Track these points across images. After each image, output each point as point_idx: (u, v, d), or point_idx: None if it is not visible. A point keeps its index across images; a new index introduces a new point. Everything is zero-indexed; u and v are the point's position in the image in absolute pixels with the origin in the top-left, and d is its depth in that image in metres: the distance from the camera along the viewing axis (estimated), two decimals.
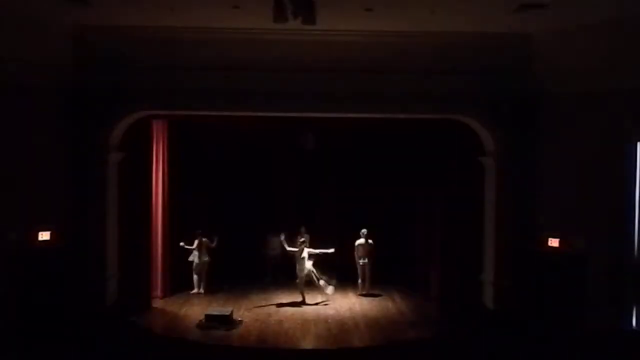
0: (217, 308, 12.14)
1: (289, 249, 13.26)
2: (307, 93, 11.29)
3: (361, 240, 13.68)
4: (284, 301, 13.13)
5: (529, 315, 11.29)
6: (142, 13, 10.08)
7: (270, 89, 11.27)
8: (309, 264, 12.87)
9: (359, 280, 13.84)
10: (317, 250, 13.10)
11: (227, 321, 11.27)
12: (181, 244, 13.48)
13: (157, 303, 12.95)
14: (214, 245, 13.77)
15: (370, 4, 9.35)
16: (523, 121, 11.58)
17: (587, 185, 10.75)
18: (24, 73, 10.46)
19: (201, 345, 10.51)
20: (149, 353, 10.37)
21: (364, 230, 13.70)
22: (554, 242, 11.23)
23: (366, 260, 13.69)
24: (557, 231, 11.20)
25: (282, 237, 13.74)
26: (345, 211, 15.72)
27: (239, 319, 11.73)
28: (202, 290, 13.83)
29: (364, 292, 13.78)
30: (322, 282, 12.96)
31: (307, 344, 10.80)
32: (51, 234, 11.04)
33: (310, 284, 13.06)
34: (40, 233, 10.92)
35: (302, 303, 12.92)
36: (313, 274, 12.91)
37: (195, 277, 13.89)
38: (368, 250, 13.67)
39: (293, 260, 13.12)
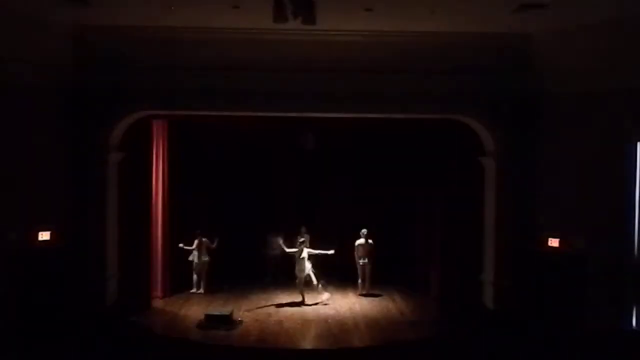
0: (217, 308, 12.14)
1: (288, 250, 13.27)
2: (307, 93, 11.29)
3: (361, 240, 13.68)
4: (284, 301, 13.12)
5: (529, 315, 11.29)
6: (142, 13, 10.08)
7: (270, 89, 11.27)
8: (308, 265, 12.85)
9: (359, 280, 13.84)
10: (317, 251, 13.09)
11: (227, 321, 11.27)
12: (180, 245, 13.47)
13: (157, 303, 12.95)
14: (214, 246, 13.76)
15: (370, 4, 9.35)
16: (523, 121, 11.58)
17: (587, 185, 10.75)
18: (24, 73, 10.47)
19: (201, 345, 10.51)
20: (149, 353, 10.37)
21: (364, 230, 13.70)
22: (554, 242, 11.24)
23: (366, 260, 13.69)
24: (557, 231, 11.21)
25: (281, 241, 13.81)
26: (345, 211, 15.72)
27: (239, 319, 11.73)
28: (202, 290, 13.83)
29: (364, 292, 13.78)
30: (319, 286, 12.93)
31: (307, 344, 10.81)
32: (51, 234, 11.04)
33: (309, 284, 13.05)
34: (40, 233, 10.91)
35: (302, 303, 12.91)
36: (312, 275, 12.88)
37: (195, 276, 13.89)
38: (368, 250, 13.67)
39: (293, 261, 13.11)
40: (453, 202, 12.83)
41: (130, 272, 12.12)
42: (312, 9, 7.88)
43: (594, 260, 10.70)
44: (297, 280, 13.03)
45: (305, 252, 12.88)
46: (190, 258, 13.77)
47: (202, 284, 13.90)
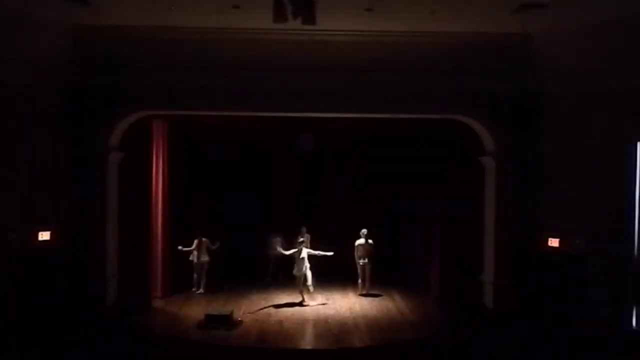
0: (217, 308, 12.14)
1: (286, 253, 13.26)
2: (307, 93, 11.30)
3: (361, 240, 13.67)
4: (284, 301, 13.12)
5: (529, 315, 11.30)
6: (142, 13, 10.08)
7: (270, 89, 11.28)
8: (308, 265, 12.82)
9: (359, 280, 13.83)
10: (316, 252, 13.08)
11: (227, 321, 11.26)
12: (180, 247, 13.46)
13: (157, 303, 12.95)
14: (214, 247, 13.75)
15: (370, 4, 9.35)
16: (523, 121, 11.59)
17: (587, 185, 10.76)
18: (24, 73, 10.48)
19: (201, 345, 10.50)
20: (149, 353, 10.37)
21: (364, 230, 13.69)
22: (554, 242, 11.24)
23: (366, 260, 13.68)
24: (557, 231, 11.21)
25: (279, 244, 13.92)
26: (345, 211, 15.73)
27: (239, 319, 11.72)
28: (202, 290, 13.82)
29: (364, 292, 13.77)
30: (311, 289, 12.91)
31: (307, 344, 10.81)
32: (51, 234, 11.05)
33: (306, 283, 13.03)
34: (40, 233, 10.92)
35: (302, 303, 12.90)
36: (309, 275, 12.82)
37: (195, 276, 13.89)
38: (368, 250, 13.66)
39: (293, 261, 13.10)
40: (453, 202, 12.84)
41: (130, 272, 12.12)
42: (312, 9, 7.88)
43: (594, 260, 10.70)
44: (296, 280, 13.01)
45: (305, 252, 12.87)
46: (191, 258, 13.77)
47: (202, 284, 13.89)
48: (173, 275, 13.66)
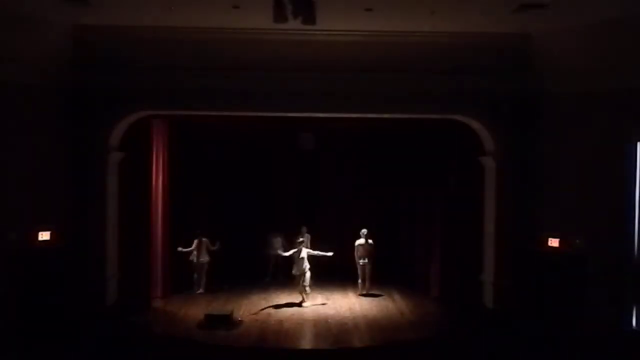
0: (217, 308, 12.14)
1: (285, 254, 13.26)
2: (307, 93, 11.30)
3: (361, 240, 13.67)
4: (284, 301, 13.11)
5: (529, 315, 11.29)
6: (142, 13, 10.08)
7: (270, 89, 11.28)
8: (307, 265, 12.80)
9: (359, 280, 13.83)
10: (315, 252, 13.07)
11: (227, 321, 11.26)
12: (179, 249, 13.45)
13: (157, 303, 12.94)
14: (214, 248, 13.75)
15: (370, 4, 9.35)
16: (523, 121, 11.59)
17: (587, 185, 10.75)
18: (24, 73, 10.48)
19: (201, 345, 10.50)
20: (149, 353, 10.37)
21: (364, 230, 13.69)
22: (554, 242, 11.24)
23: (366, 260, 13.68)
24: (557, 231, 11.21)
25: (280, 244, 14.00)
26: (345, 211, 15.73)
27: (239, 319, 11.72)
28: (202, 290, 13.82)
29: (364, 292, 13.77)
30: (308, 289, 12.90)
31: (307, 344, 10.80)
32: (51, 234, 11.05)
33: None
34: (40, 233, 10.92)
35: (302, 303, 12.88)
36: (307, 276, 12.80)
37: (195, 276, 13.89)
38: (368, 250, 13.65)
39: (293, 261, 13.09)
40: (453, 202, 12.84)
41: (130, 272, 12.12)
42: (312, 9, 7.87)
43: (594, 260, 10.70)
44: (295, 280, 13.00)
45: (304, 252, 12.85)
46: (191, 258, 13.76)
47: (202, 284, 13.89)
48: (173, 275, 13.66)
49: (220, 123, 13.52)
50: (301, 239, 13.23)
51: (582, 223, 10.83)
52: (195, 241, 13.68)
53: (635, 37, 9.83)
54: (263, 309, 12.56)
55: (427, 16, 9.87)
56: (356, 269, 13.82)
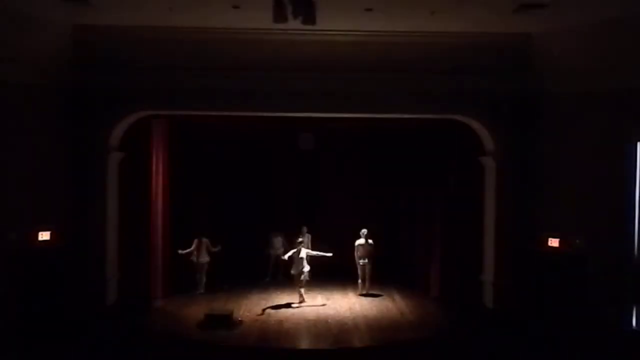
0: (217, 308, 12.13)
1: (285, 256, 13.25)
2: (307, 93, 11.30)
3: (361, 240, 13.66)
4: (284, 301, 13.11)
5: (529, 315, 11.30)
6: (142, 13, 10.08)
7: (270, 89, 11.28)
8: (306, 265, 12.79)
9: (359, 280, 13.82)
10: (314, 252, 13.06)
11: (227, 321, 11.26)
12: (180, 251, 13.44)
13: (157, 303, 12.93)
14: (215, 250, 13.74)
15: (370, 4, 9.35)
16: (523, 121, 11.59)
17: (587, 185, 10.76)
18: (24, 73, 10.48)
19: (201, 345, 10.50)
20: (149, 353, 10.37)
21: (364, 230, 13.68)
22: (554, 242, 11.24)
23: (366, 260, 13.67)
24: (557, 231, 11.21)
25: (281, 245, 14.01)
26: (345, 211, 15.73)
27: (239, 319, 11.72)
28: (202, 290, 13.82)
29: (364, 292, 13.77)
30: (302, 290, 12.88)
31: (307, 344, 10.79)
32: (51, 234, 11.05)
33: (307, 283, 13.01)
34: (40, 233, 10.92)
35: (300, 303, 12.88)
36: (305, 276, 12.78)
37: (197, 276, 13.88)
38: (368, 250, 13.65)
39: (293, 261, 13.08)
40: (453, 202, 12.84)
41: (130, 273, 12.13)
42: (312, 9, 7.87)
43: (594, 260, 10.70)
44: (295, 280, 12.98)
45: (304, 252, 12.83)
46: (192, 258, 13.76)
47: (202, 284, 13.88)
48: (173, 275, 13.65)
49: (220, 123, 13.51)
50: (300, 239, 13.21)
51: (582, 223, 10.83)
52: (195, 241, 13.67)
53: (635, 37, 9.83)
54: (264, 310, 12.55)
55: (427, 16, 9.88)
56: (356, 269, 13.81)
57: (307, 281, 12.88)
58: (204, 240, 13.72)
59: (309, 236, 14.33)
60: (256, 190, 15.72)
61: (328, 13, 9.21)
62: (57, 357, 10.09)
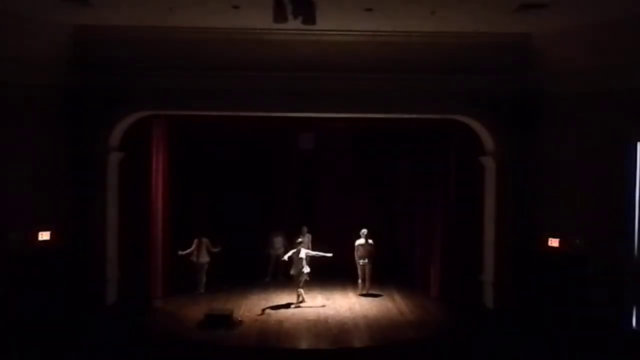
0: (217, 308, 12.14)
1: (284, 257, 13.26)
2: (307, 93, 11.30)
3: (361, 240, 13.67)
4: (284, 301, 13.11)
5: (529, 315, 11.29)
6: (142, 13, 10.08)
7: (270, 89, 11.28)
8: (306, 266, 12.77)
9: (359, 280, 13.82)
10: (314, 253, 13.06)
11: (227, 321, 11.26)
12: (180, 252, 13.43)
13: (157, 303, 12.93)
14: (215, 250, 13.74)
15: (370, 4, 9.35)
16: (523, 121, 11.59)
17: (587, 185, 10.75)
18: (24, 73, 10.48)
19: (201, 345, 10.50)
20: (149, 353, 10.37)
21: (364, 230, 13.68)
22: (554, 242, 11.24)
23: (366, 261, 13.67)
24: (557, 231, 11.20)
25: (282, 244, 14.08)
26: (345, 211, 15.72)
27: (239, 319, 11.72)
28: (202, 290, 13.82)
29: (364, 292, 13.77)
30: (302, 290, 12.88)
31: (307, 344, 10.80)
32: (51, 234, 11.05)
33: (307, 283, 13.00)
34: (40, 233, 10.93)
35: (300, 303, 12.87)
36: (304, 276, 12.77)
37: (197, 275, 13.87)
38: (368, 250, 13.65)
39: (292, 261, 13.08)
40: (453, 202, 12.83)
41: (130, 272, 12.12)
42: (312, 9, 7.87)
43: (594, 260, 10.70)
44: (294, 281, 12.96)
45: (303, 253, 12.81)
46: (192, 258, 13.76)
47: (202, 284, 13.88)
48: (173, 276, 13.64)
49: (220, 123, 13.50)
50: (300, 240, 13.21)
51: (582, 223, 10.83)
52: (195, 241, 13.67)
53: (635, 37, 9.83)
54: (264, 310, 12.55)
55: (427, 16, 9.87)
56: (356, 269, 13.82)
57: (307, 281, 12.87)
58: (204, 240, 13.73)
59: (310, 236, 14.34)
60: (256, 190, 15.72)
61: (328, 13, 9.22)
62: (57, 357, 10.10)
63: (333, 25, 10.44)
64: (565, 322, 10.82)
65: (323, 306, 12.88)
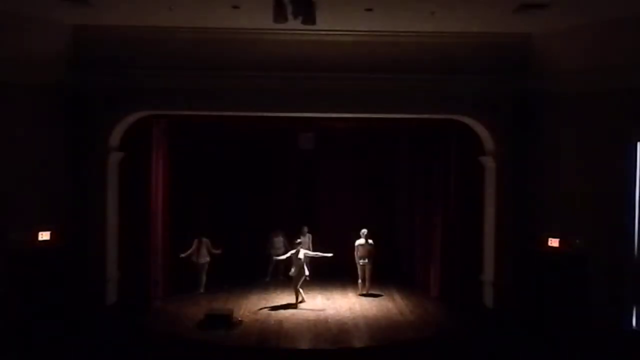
0: (217, 308, 12.14)
1: (282, 257, 13.27)
2: (307, 93, 11.31)
3: (361, 241, 13.67)
4: (284, 301, 13.11)
5: (529, 315, 11.30)
6: (142, 13, 10.08)
7: (271, 89, 11.28)
8: (305, 266, 12.76)
9: (359, 280, 13.82)
10: (312, 253, 13.06)
11: (227, 321, 11.26)
12: (181, 255, 13.43)
13: (157, 303, 12.94)
14: (216, 252, 13.74)
15: (370, 4, 9.35)
16: (523, 121, 11.59)
17: (587, 185, 10.75)
18: (24, 73, 10.47)
19: (201, 345, 10.50)
20: (149, 353, 10.37)
21: (364, 230, 13.68)
22: (554, 242, 11.24)
23: (366, 261, 13.67)
24: (557, 231, 11.20)
25: (282, 245, 14.11)
26: (345, 211, 15.73)
27: (239, 319, 11.72)
28: (202, 290, 13.82)
29: (364, 292, 13.77)
30: (301, 290, 12.86)
31: (307, 344, 10.79)
32: (51, 234, 11.05)
33: (307, 283, 13.00)
34: (40, 233, 10.92)
35: (299, 303, 12.86)
36: (302, 278, 12.75)
37: (197, 275, 13.87)
38: (368, 250, 13.65)
39: (292, 261, 13.08)
40: (453, 202, 12.83)
41: (130, 272, 12.12)
42: (312, 9, 7.87)
43: (594, 260, 10.70)
44: (293, 281, 12.94)
45: (302, 253, 12.79)
46: (192, 258, 13.76)
47: (202, 284, 13.88)
48: (173, 275, 13.65)
49: (220, 123, 13.50)
50: (298, 240, 13.20)
51: (582, 223, 10.83)
52: (195, 241, 13.68)
53: (635, 37, 9.83)
54: (261, 309, 12.55)
55: (427, 16, 9.87)
56: (356, 269, 13.82)
57: (306, 281, 12.86)
58: (204, 240, 13.73)
59: (310, 236, 14.35)
60: (256, 190, 15.73)
61: (328, 13, 9.22)
62: (57, 357, 10.10)
63: (333, 25, 10.44)
64: (565, 322, 10.82)
65: (322, 310, 12.81)
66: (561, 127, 11.16)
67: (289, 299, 13.11)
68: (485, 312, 11.99)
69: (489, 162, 12.05)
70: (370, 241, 13.66)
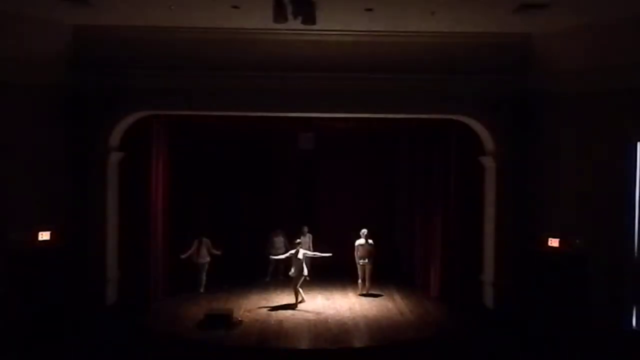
0: (217, 308, 12.14)
1: (282, 257, 13.27)
2: (307, 93, 11.31)
3: (361, 241, 13.66)
4: (284, 301, 13.11)
5: (529, 315, 11.30)
6: (142, 13, 10.08)
7: (270, 88, 11.28)
8: (305, 266, 12.75)
9: (359, 280, 13.82)
10: (312, 253, 13.05)
11: (227, 321, 11.26)
12: (182, 256, 13.43)
13: (157, 303, 12.94)
14: (216, 253, 13.74)
15: (370, 4, 9.35)
16: (523, 121, 11.59)
17: (587, 185, 10.75)
18: (24, 73, 10.48)
19: (201, 345, 10.50)
20: (149, 353, 10.37)
21: (364, 230, 13.68)
22: (554, 242, 11.24)
23: (366, 260, 13.67)
24: (557, 231, 11.20)
25: (282, 245, 14.10)
26: (345, 211, 15.73)
27: (239, 319, 11.72)
28: (202, 290, 13.82)
29: (364, 292, 13.77)
30: (301, 290, 12.85)
31: (307, 344, 10.79)
32: (51, 234, 11.05)
33: (306, 283, 12.99)
34: (40, 233, 10.93)
35: (299, 303, 12.85)
36: (301, 278, 12.74)
37: (197, 275, 13.87)
38: (368, 250, 13.65)
39: (291, 261, 13.08)
40: (453, 202, 12.83)
41: (130, 272, 12.12)
42: (312, 9, 7.88)
43: (594, 260, 10.70)
44: (293, 281, 12.94)
45: (301, 253, 12.79)
46: (192, 258, 13.75)
47: (202, 284, 13.88)
48: (173, 275, 13.65)
49: (220, 123, 13.49)
50: (298, 240, 13.19)
51: (582, 223, 10.83)
52: (196, 241, 13.67)
53: (635, 37, 9.83)
54: (260, 307, 12.55)
55: (427, 16, 9.87)
56: (356, 269, 13.82)
57: (306, 281, 12.86)
58: (205, 240, 13.73)
59: (310, 236, 14.35)
60: (256, 191, 15.73)
61: (328, 13, 9.22)
62: (57, 357, 10.10)
63: (333, 25, 10.45)
64: (565, 322, 10.82)
65: (322, 311, 12.78)
66: (561, 127, 11.16)
67: (289, 299, 13.10)
68: (485, 312, 12.00)
69: (489, 162, 12.05)
70: (370, 241, 13.66)
